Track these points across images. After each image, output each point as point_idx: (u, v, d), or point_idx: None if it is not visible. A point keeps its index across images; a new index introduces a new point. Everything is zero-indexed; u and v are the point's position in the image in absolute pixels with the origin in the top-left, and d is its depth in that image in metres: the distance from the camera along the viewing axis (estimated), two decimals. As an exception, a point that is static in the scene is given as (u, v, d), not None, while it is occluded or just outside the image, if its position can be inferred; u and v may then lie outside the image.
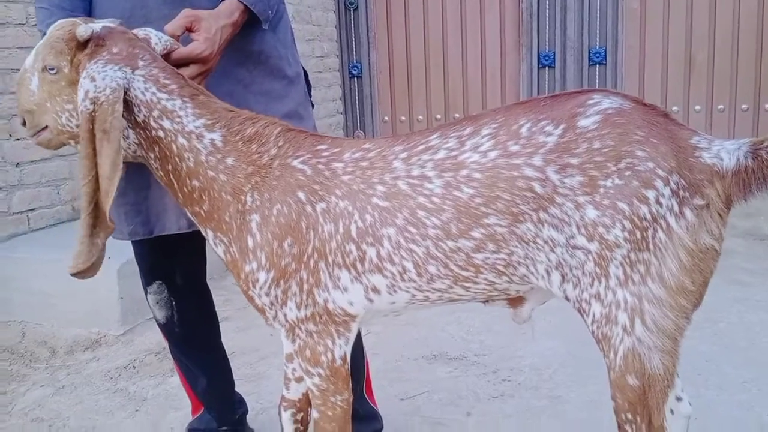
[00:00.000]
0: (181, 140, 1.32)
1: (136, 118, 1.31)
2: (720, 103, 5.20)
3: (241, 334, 2.91)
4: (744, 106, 5.14)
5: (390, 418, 2.08)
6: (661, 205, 1.15)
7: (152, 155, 1.35)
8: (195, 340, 1.92)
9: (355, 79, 5.94)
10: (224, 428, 2.00)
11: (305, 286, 1.33)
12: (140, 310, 3.03)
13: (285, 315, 1.36)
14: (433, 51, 5.72)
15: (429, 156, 1.27)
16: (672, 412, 1.36)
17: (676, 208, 1.15)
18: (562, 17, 5.36)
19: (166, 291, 1.83)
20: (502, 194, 1.21)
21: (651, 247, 1.16)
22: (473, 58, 5.65)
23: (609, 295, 1.19)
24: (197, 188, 1.35)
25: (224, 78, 1.58)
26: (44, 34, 1.49)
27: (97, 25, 1.31)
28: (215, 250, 1.42)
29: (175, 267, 1.83)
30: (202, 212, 1.37)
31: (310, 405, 1.59)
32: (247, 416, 2.11)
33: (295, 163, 1.33)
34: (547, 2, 5.38)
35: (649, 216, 1.15)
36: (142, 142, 1.34)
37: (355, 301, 1.34)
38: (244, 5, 1.49)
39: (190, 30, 1.44)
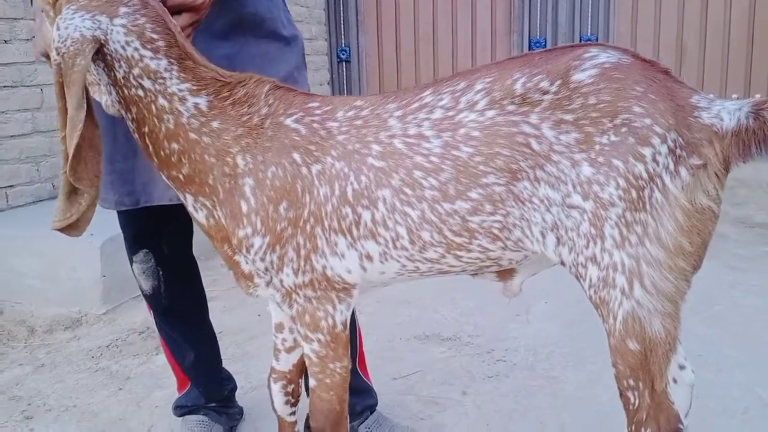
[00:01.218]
0: (161, 101, 1.22)
1: (116, 74, 1.20)
2: (710, 91, 5.17)
3: (228, 314, 2.83)
4: (734, 95, 5.11)
5: (383, 396, 2.01)
6: (657, 163, 1.10)
7: (130, 116, 1.25)
8: (182, 312, 1.84)
9: (344, 63, 5.85)
10: (212, 404, 1.93)
11: (302, 252, 1.25)
12: (123, 289, 2.94)
13: (281, 281, 1.28)
14: (423, 36, 5.65)
15: (425, 115, 1.21)
16: (675, 381, 1.32)
17: (672, 166, 1.10)
18: (553, 3, 5.32)
19: (152, 260, 1.75)
20: (501, 150, 1.16)
21: (647, 207, 1.11)
22: (464, 44, 5.59)
23: (606, 257, 1.13)
24: (176, 151, 1.25)
25: (220, 41, 1.53)
26: None
27: None
28: (194, 215, 1.33)
29: (162, 236, 1.76)
30: (181, 176, 1.28)
31: (300, 376, 1.53)
32: (236, 394, 2.04)
33: (288, 121, 1.25)
34: (539, -12, 5.33)
35: (645, 175, 1.10)
36: (122, 101, 1.24)
37: (353, 268, 1.27)
38: None
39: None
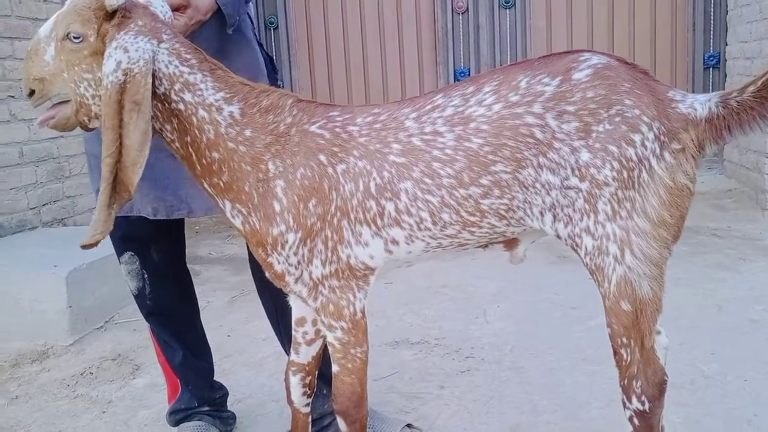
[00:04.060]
0: (201, 113, 1.36)
1: (156, 90, 1.33)
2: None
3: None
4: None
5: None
6: (645, 147, 1.30)
7: (169, 127, 1.38)
8: (168, 315, 1.95)
9: (277, 96, 5.99)
10: (205, 408, 2.00)
11: (330, 244, 1.39)
12: (89, 320, 2.94)
13: (310, 273, 1.41)
14: (354, 69, 5.88)
15: (438, 114, 1.38)
16: None
17: (657, 151, 1.30)
18: (475, 36, 5.67)
19: (137, 263, 1.86)
20: (507, 141, 1.33)
21: (636, 185, 1.30)
22: (393, 75, 5.85)
23: (599, 228, 1.31)
24: (217, 160, 1.38)
25: None
26: None
27: None
28: (232, 221, 1.45)
29: (150, 244, 1.87)
30: (221, 183, 1.41)
31: (317, 368, 1.66)
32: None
33: (313, 128, 1.40)
34: (461, 22, 5.68)
35: (635, 157, 1.29)
36: (158, 114, 1.36)
37: (376, 254, 1.42)
38: (219, 7, 1.59)
39: (177, 9, 1.51)
